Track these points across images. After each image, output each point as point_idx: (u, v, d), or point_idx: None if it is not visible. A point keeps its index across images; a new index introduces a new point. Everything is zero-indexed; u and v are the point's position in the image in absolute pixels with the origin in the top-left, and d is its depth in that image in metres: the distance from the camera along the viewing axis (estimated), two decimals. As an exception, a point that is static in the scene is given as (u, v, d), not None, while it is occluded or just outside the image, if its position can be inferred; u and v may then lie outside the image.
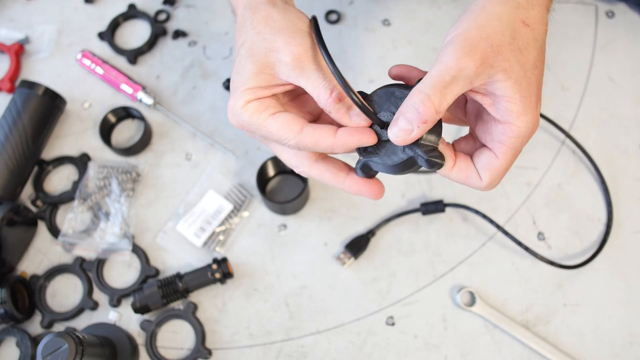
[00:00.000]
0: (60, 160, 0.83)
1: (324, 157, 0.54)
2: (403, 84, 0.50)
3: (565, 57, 0.85)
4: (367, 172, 0.52)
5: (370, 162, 0.50)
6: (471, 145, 0.53)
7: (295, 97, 0.56)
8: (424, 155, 0.47)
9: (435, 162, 0.47)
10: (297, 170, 0.55)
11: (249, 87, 0.51)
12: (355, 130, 0.49)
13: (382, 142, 0.50)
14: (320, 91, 0.49)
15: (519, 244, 0.74)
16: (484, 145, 0.51)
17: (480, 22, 0.46)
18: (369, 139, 0.49)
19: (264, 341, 0.74)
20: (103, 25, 0.91)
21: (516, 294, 0.74)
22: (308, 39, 0.51)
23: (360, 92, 0.51)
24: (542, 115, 0.81)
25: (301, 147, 0.50)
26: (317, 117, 0.57)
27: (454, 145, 0.53)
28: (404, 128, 0.46)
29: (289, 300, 0.75)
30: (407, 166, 0.49)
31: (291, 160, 0.54)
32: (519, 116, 0.46)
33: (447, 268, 0.76)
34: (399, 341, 0.73)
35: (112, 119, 0.85)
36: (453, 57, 0.45)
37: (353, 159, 0.54)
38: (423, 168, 0.49)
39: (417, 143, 0.47)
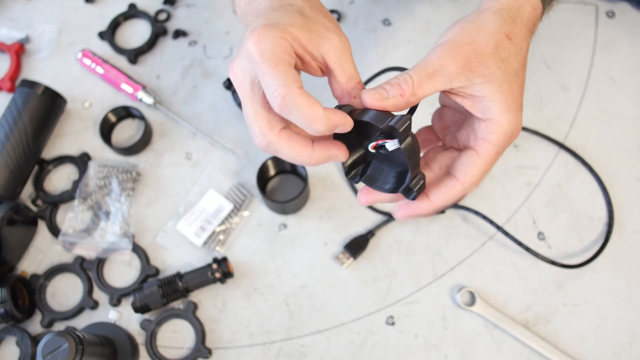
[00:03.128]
0: (61, 160, 0.83)
1: (288, 126, 0.50)
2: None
3: (565, 57, 0.85)
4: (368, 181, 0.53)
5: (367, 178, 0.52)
6: (446, 159, 0.54)
7: None
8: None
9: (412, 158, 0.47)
10: (257, 140, 0.50)
11: (291, 27, 0.48)
12: (333, 145, 0.50)
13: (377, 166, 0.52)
14: (350, 79, 0.50)
15: (519, 244, 0.73)
16: (464, 150, 0.52)
17: (467, 31, 0.49)
18: (343, 156, 0.51)
19: (264, 340, 0.74)
20: (103, 25, 0.91)
21: (516, 294, 0.74)
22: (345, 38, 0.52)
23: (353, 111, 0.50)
24: (536, 132, 0.81)
25: (285, 108, 0.46)
26: None
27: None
28: (380, 92, 0.48)
29: (289, 300, 0.75)
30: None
31: (256, 123, 0.49)
32: (500, 112, 0.48)
33: (447, 268, 0.76)
34: (399, 341, 0.73)
35: (113, 118, 0.85)
36: (437, 56, 0.48)
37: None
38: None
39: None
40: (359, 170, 0.53)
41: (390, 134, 0.47)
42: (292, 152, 0.49)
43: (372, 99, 0.48)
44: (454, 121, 0.56)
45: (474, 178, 0.50)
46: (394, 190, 0.51)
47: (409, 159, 0.47)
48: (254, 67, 0.48)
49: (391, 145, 0.47)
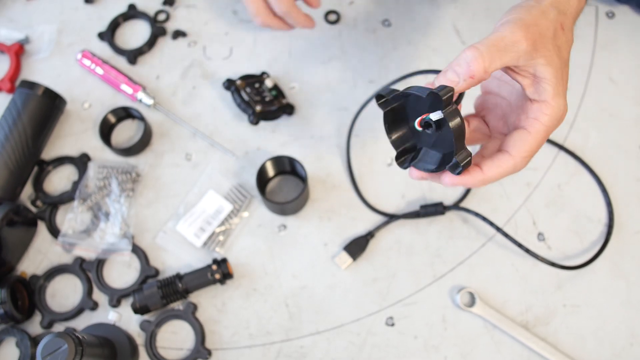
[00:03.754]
0: (60, 161, 0.83)
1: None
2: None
3: (565, 57, 0.85)
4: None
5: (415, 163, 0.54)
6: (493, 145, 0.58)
7: None
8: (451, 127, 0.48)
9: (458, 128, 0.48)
10: (260, 24, 0.80)
11: None
12: (307, 18, 0.80)
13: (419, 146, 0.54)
14: None
15: (519, 245, 0.73)
16: (514, 129, 0.54)
17: (533, 14, 0.51)
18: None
19: (264, 341, 0.74)
20: (103, 26, 0.91)
21: (516, 295, 0.74)
22: None
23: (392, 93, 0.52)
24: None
25: (285, 16, 0.78)
26: None
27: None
28: (450, 78, 0.49)
29: (288, 301, 0.75)
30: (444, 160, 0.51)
31: (258, 17, 0.79)
32: (554, 97, 0.51)
33: (447, 269, 0.76)
34: (398, 342, 0.73)
35: (112, 119, 0.85)
36: (510, 31, 0.49)
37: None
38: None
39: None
40: (408, 157, 0.55)
41: (435, 106, 0.48)
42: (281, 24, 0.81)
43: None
44: (496, 104, 0.59)
45: (525, 153, 0.52)
46: (437, 169, 0.52)
47: (454, 132, 0.48)
48: None
49: (435, 115, 0.48)
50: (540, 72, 0.51)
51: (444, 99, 0.47)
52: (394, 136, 0.55)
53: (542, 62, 0.50)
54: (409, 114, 0.53)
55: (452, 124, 0.48)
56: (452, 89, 0.48)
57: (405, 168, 0.55)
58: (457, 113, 0.48)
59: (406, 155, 0.55)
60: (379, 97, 0.52)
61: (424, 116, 0.49)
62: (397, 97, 0.51)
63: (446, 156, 0.52)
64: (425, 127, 0.50)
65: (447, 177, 0.52)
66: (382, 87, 0.51)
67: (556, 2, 0.53)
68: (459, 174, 0.50)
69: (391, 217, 0.77)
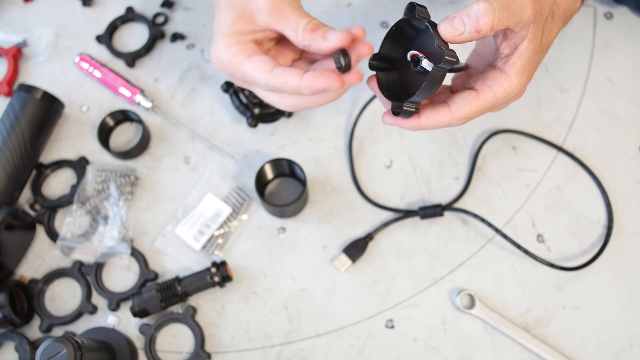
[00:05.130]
0: (59, 164, 0.83)
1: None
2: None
3: (564, 58, 0.85)
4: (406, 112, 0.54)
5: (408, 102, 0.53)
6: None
7: (279, 42, 0.60)
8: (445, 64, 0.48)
9: (450, 60, 0.49)
10: (280, 105, 0.58)
11: (230, 32, 0.55)
12: (322, 74, 0.52)
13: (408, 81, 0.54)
14: (297, 29, 0.53)
15: (518, 246, 0.73)
16: (465, 90, 0.54)
17: None
18: (335, 82, 0.52)
19: (263, 345, 0.74)
20: (101, 29, 0.91)
21: (516, 296, 0.74)
22: None
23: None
24: (534, 136, 0.81)
25: (271, 87, 0.54)
26: (298, 58, 0.61)
27: None
28: (456, 26, 0.49)
29: (288, 304, 0.75)
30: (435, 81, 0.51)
31: (271, 98, 0.58)
32: (518, 73, 0.52)
33: (446, 271, 0.76)
34: (398, 344, 0.73)
35: (110, 122, 0.85)
36: None
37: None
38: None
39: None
40: (381, 66, 0.56)
41: (434, 57, 0.49)
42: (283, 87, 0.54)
43: (445, 32, 0.49)
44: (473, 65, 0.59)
45: (464, 114, 0.52)
46: (389, 98, 0.54)
47: (426, 86, 0.49)
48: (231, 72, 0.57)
49: (426, 64, 0.49)
50: (522, 46, 0.51)
51: (445, 58, 0.48)
52: (387, 43, 0.56)
53: (529, 37, 0.50)
54: (413, 40, 0.54)
55: (429, 82, 0.49)
56: (456, 62, 0.48)
57: (371, 69, 0.55)
58: (441, 78, 0.49)
59: (380, 63, 0.56)
60: (411, 4, 0.53)
61: (421, 55, 0.50)
62: (420, 21, 0.52)
63: (402, 94, 0.53)
64: (414, 64, 0.51)
65: (387, 117, 0.54)
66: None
67: None
68: (395, 115, 0.52)
69: (390, 220, 0.77)
